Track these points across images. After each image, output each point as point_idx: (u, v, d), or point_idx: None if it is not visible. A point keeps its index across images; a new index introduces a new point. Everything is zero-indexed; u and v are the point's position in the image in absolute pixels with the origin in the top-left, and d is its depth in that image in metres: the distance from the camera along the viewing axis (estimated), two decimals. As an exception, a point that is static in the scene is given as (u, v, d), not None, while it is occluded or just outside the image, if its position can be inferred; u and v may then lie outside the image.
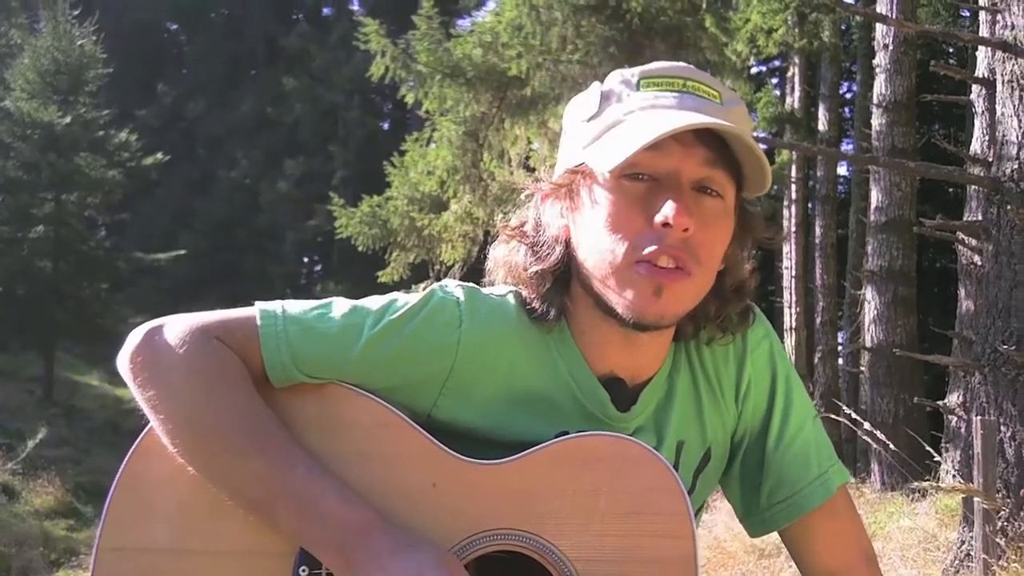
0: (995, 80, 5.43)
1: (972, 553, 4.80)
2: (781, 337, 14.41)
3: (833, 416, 6.05)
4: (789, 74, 17.30)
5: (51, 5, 23.29)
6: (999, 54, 5.27)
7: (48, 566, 10.39)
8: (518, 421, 1.31)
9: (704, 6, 10.61)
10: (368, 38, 11.02)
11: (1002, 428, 4.82)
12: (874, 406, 10.36)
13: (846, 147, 19.27)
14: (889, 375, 10.39)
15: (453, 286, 1.34)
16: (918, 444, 6.29)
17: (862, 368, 11.50)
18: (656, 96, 1.26)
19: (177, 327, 1.25)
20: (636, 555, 1.24)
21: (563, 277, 1.33)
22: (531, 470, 1.25)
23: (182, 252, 26.37)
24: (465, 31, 11.66)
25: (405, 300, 1.31)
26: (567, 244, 1.32)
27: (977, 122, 8.27)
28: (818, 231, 15.66)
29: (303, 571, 1.21)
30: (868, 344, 10.78)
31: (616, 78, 1.31)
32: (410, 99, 11.21)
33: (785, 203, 16.05)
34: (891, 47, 10.85)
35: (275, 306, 1.30)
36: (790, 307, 15.22)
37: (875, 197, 10.98)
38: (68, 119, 22.22)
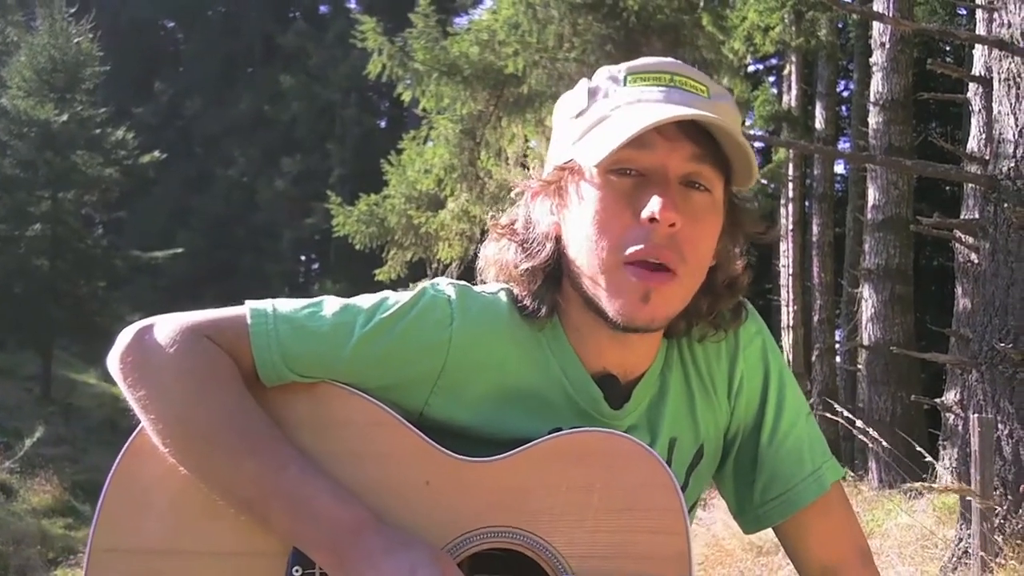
0: (992, 78, 5.44)
1: (970, 551, 4.81)
2: (778, 335, 14.49)
3: (829, 415, 6.05)
4: (786, 72, 17.29)
5: (48, 3, 23.24)
6: (996, 52, 5.27)
7: (46, 564, 10.37)
8: (511, 419, 1.31)
9: (701, 4, 10.62)
10: (365, 36, 11.00)
11: (999, 426, 4.83)
12: (871, 404, 10.37)
13: (843, 145, 19.27)
14: (886, 373, 10.40)
15: (444, 284, 1.33)
16: (915, 442, 6.30)
17: (859, 366, 11.51)
18: (643, 91, 1.26)
19: (167, 327, 1.25)
20: (630, 551, 1.23)
21: (554, 274, 1.32)
22: (524, 467, 1.25)
23: (179, 250, 26.30)
24: (462, 29, 11.65)
25: (396, 298, 1.31)
26: (557, 241, 1.32)
27: (974, 120, 8.28)
28: (815, 229, 15.67)
29: (296, 571, 1.21)
30: (865, 342, 10.79)
31: (603, 74, 1.31)
32: (407, 97, 11.20)
33: (782, 201, 16.05)
34: (888, 45, 10.86)
35: (266, 305, 1.29)
36: (787, 305, 15.22)
37: (872, 195, 10.99)
38: (65, 117, 22.18)
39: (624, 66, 1.30)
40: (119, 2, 35.93)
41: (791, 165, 15.33)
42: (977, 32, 7.68)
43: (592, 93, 1.30)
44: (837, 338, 15.38)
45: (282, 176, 34.79)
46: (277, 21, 38.17)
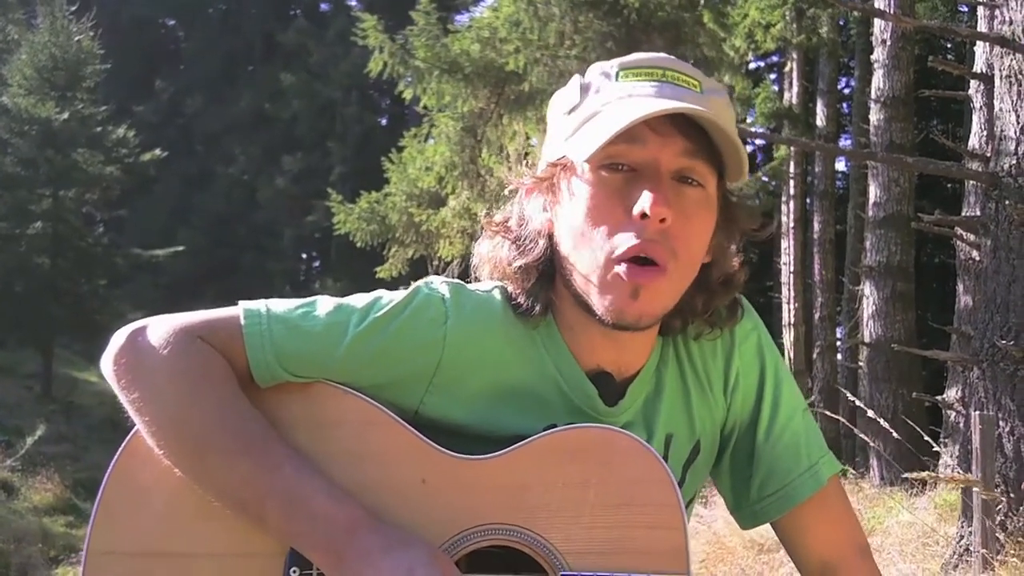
0: (993, 75, 5.43)
1: (971, 548, 4.80)
2: (779, 333, 14.49)
3: (829, 413, 6.05)
4: (787, 69, 17.30)
5: (48, 1, 23.24)
6: (997, 49, 5.26)
7: (47, 562, 10.37)
8: (506, 416, 1.31)
9: (702, 1, 10.60)
10: (366, 34, 11.00)
11: (1000, 423, 4.82)
12: (873, 401, 10.35)
13: (844, 143, 19.28)
14: (888, 370, 10.39)
15: (438, 283, 1.33)
16: (917, 439, 6.29)
17: (861, 364, 11.50)
18: (634, 86, 1.25)
19: (160, 328, 1.25)
20: (627, 546, 1.23)
21: (548, 272, 1.32)
22: (520, 464, 1.25)
23: (180, 248, 26.29)
24: (463, 26, 11.67)
25: (390, 297, 1.30)
26: (550, 238, 1.32)
27: (975, 117, 8.26)
28: (816, 227, 15.66)
29: (294, 572, 1.21)
30: (867, 340, 10.79)
31: (596, 70, 1.31)
32: (408, 95, 11.20)
33: (783, 199, 16.05)
34: (889, 42, 10.85)
35: (259, 305, 1.29)
36: (788, 303, 15.22)
37: (873, 193, 10.98)
38: (66, 115, 22.19)
39: (616, 62, 1.29)
40: (119, 0, 35.92)
41: (792, 162, 15.33)
42: (978, 29, 7.67)
43: (584, 89, 1.30)
44: (838, 335, 15.38)
45: (283, 174, 34.79)
46: (278, 19, 38.16)
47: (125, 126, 25.13)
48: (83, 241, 23.48)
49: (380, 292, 1.33)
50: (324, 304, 1.30)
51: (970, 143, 8.10)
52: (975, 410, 4.95)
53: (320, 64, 35.28)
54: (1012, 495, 4.69)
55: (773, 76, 21.15)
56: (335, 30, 34.11)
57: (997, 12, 5.37)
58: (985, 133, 7.78)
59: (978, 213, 7.00)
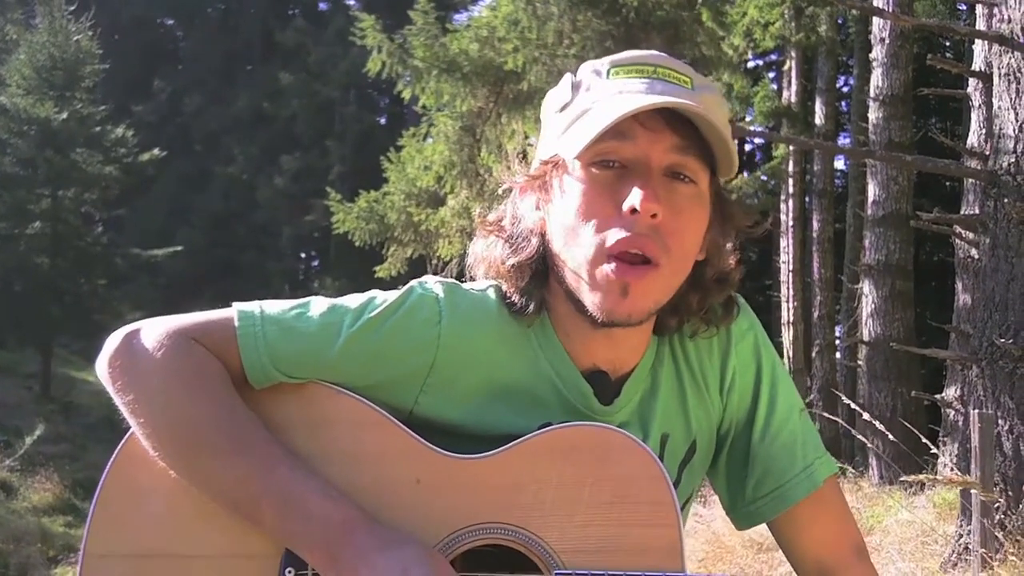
0: (992, 74, 5.43)
1: (970, 546, 4.80)
2: (778, 331, 14.50)
3: (828, 414, 6.05)
4: (786, 68, 17.31)
5: (47, 1, 23.22)
6: (996, 47, 5.26)
7: (46, 562, 10.38)
8: (500, 416, 1.31)
9: (700, 0, 10.60)
10: (364, 34, 11.00)
11: (999, 421, 4.82)
12: (871, 400, 10.36)
13: (843, 141, 19.29)
14: (887, 369, 10.40)
15: (432, 282, 1.33)
16: (916, 438, 6.29)
17: (859, 362, 11.51)
18: (624, 83, 1.25)
19: (155, 330, 1.25)
20: (622, 544, 1.23)
21: (542, 271, 1.32)
22: (514, 463, 1.25)
23: (179, 248, 26.28)
24: (461, 26, 11.66)
25: (384, 297, 1.30)
26: (543, 236, 1.32)
27: (974, 116, 8.26)
28: (815, 225, 15.67)
29: (289, 572, 1.21)
30: (866, 338, 10.79)
31: (587, 68, 1.31)
32: (407, 94, 11.20)
33: (782, 197, 16.05)
34: (888, 41, 10.86)
35: (253, 306, 1.29)
36: (787, 301, 15.23)
37: (872, 191, 10.99)
38: (64, 115, 22.18)
39: (608, 59, 1.30)
40: (118, 0, 35.90)
41: (791, 161, 15.34)
42: (977, 27, 7.67)
43: (575, 87, 1.30)
44: (837, 334, 15.38)
45: (282, 173, 34.75)
46: (276, 18, 38.15)
47: (124, 126, 25.12)
48: (82, 241, 23.47)
49: (374, 292, 1.33)
50: (318, 305, 1.30)
51: (969, 141, 8.09)
52: (974, 408, 4.95)
53: (319, 63, 35.25)
54: (1011, 494, 4.68)
55: (772, 74, 21.17)
56: (334, 29, 34.08)
57: (996, 10, 5.37)
58: (984, 131, 7.78)
59: (977, 211, 7.01)
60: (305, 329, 1.27)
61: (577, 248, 1.24)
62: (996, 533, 4.52)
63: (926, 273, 18.14)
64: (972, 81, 8.24)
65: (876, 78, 11.14)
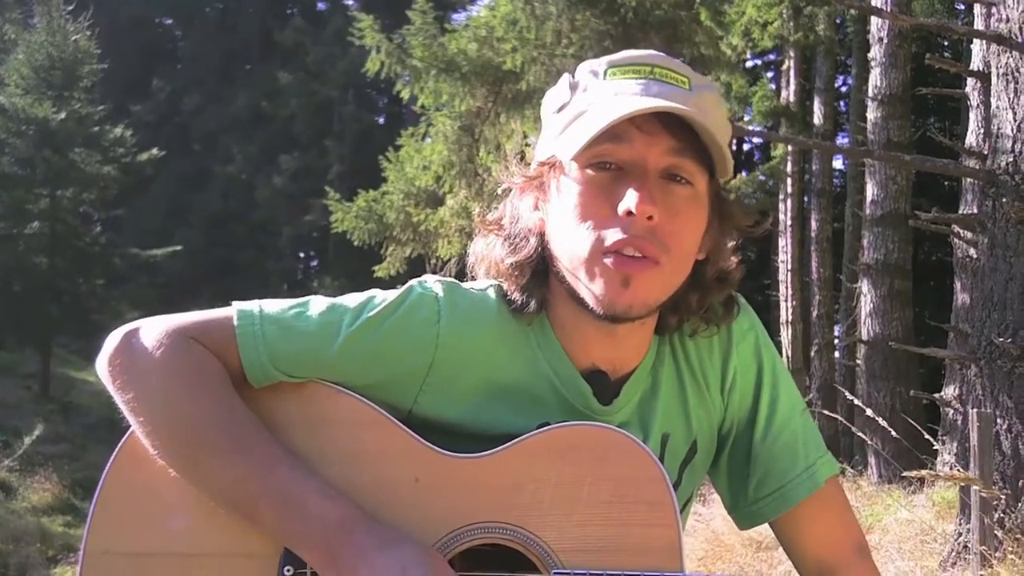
0: (990, 73, 5.43)
1: (969, 545, 4.80)
2: (777, 331, 14.50)
3: (827, 413, 6.05)
4: (784, 67, 17.30)
5: (45, 1, 23.21)
6: (994, 47, 5.26)
7: (45, 562, 10.37)
8: (499, 415, 1.31)
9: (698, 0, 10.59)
10: (363, 33, 10.99)
11: (998, 420, 4.82)
12: (870, 399, 10.36)
13: (841, 141, 19.29)
14: (885, 368, 10.40)
15: (432, 281, 1.33)
16: (914, 437, 6.29)
17: (858, 361, 11.51)
18: (621, 84, 1.26)
19: (154, 329, 1.25)
20: (620, 544, 1.23)
21: (541, 270, 1.32)
22: (513, 462, 1.25)
23: (178, 248, 26.29)
24: (460, 25, 11.64)
25: (383, 297, 1.31)
26: (541, 236, 1.32)
27: (972, 115, 8.27)
28: (814, 225, 15.68)
29: (288, 571, 1.21)
30: (864, 337, 10.80)
31: (585, 68, 1.31)
32: (405, 94, 11.18)
33: (781, 197, 16.05)
34: (886, 40, 10.87)
35: (252, 306, 1.29)
36: (786, 300, 15.23)
37: (871, 190, 10.99)
38: (63, 115, 22.17)
39: (605, 59, 1.29)
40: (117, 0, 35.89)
41: (789, 160, 15.34)
42: (975, 27, 7.67)
43: (573, 87, 1.30)
44: (836, 333, 15.39)
45: (280, 173, 34.73)
46: (275, 18, 38.14)
47: (122, 125, 25.12)
48: (81, 241, 23.48)
49: (373, 291, 1.33)
50: (317, 304, 1.30)
51: (967, 141, 8.10)
52: (973, 408, 4.95)
53: (317, 63, 35.24)
54: (1010, 492, 4.69)
55: (770, 74, 21.21)
56: (332, 29, 34.05)
57: (994, 10, 5.37)
58: (982, 131, 7.78)
59: (975, 211, 7.01)
60: (304, 328, 1.27)
61: (575, 247, 1.24)
62: (995, 531, 4.52)
63: (925, 272, 18.17)
64: (970, 80, 8.25)
65: (874, 78, 11.15)
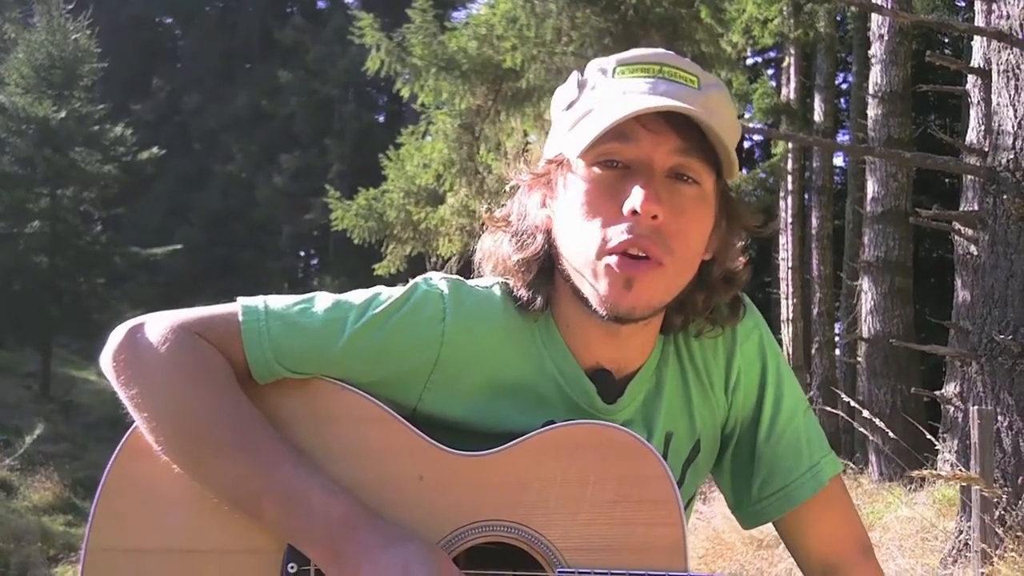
0: (991, 70, 5.42)
1: (970, 542, 4.81)
2: (777, 328, 14.49)
3: (830, 409, 6.05)
4: (785, 64, 17.28)
5: (45, 0, 23.21)
6: (995, 43, 5.25)
7: (47, 562, 10.36)
8: (504, 413, 1.31)
9: (699, -4, 10.58)
10: (363, 32, 10.98)
11: (999, 418, 4.82)
12: (871, 396, 10.37)
13: (842, 138, 19.28)
14: (886, 365, 10.40)
15: (437, 279, 1.33)
16: (915, 434, 6.29)
17: (859, 359, 11.52)
18: (629, 82, 1.25)
19: (159, 325, 1.25)
20: (625, 543, 1.23)
21: (547, 267, 1.32)
22: (518, 460, 1.25)
23: (178, 247, 26.31)
24: (460, 24, 11.64)
25: (389, 294, 1.30)
26: (548, 233, 1.32)
27: (973, 112, 8.26)
28: (814, 222, 15.67)
29: (291, 568, 1.21)
30: (865, 335, 10.80)
31: (594, 66, 1.31)
32: (405, 92, 11.17)
33: (781, 194, 16.03)
34: (887, 37, 10.86)
35: (257, 302, 1.29)
36: (787, 298, 15.22)
37: (871, 188, 10.99)
38: (63, 114, 22.18)
39: (615, 58, 1.29)
40: (117, -2, 35.90)
41: (790, 158, 15.33)
42: (976, 24, 7.66)
43: (581, 86, 1.30)
44: (837, 331, 15.39)
45: (281, 172, 34.73)
46: (275, 16, 38.14)
47: (122, 124, 25.12)
48: (81, 240, 23.48)
49: (379, 288, 1.33)
50: (322, 300, 1.30)
51: (968, 138, 8.10)
52: (973, 405, 4.95)
53: (317, 62, 35.23)
54: (1011, 490, 4.69)
55: (771, 71, 21.16)
56: (332, 27, 34.06)
57: (994, 7, 5.36)
58: (983, 128, 7.78)
59: (976, 208, 7.01)
60: (309, 325, 1.27)
61: (580, 246, 1.24)
62: (996, 529, 4.52)
63: (925, 270, 18.15)
64: (971, 77, 8.24)
65: (875, 75, 11.14)
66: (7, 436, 14.68)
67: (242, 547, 1.23)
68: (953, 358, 8.12)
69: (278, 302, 1.29)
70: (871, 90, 11.24)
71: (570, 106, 1.30)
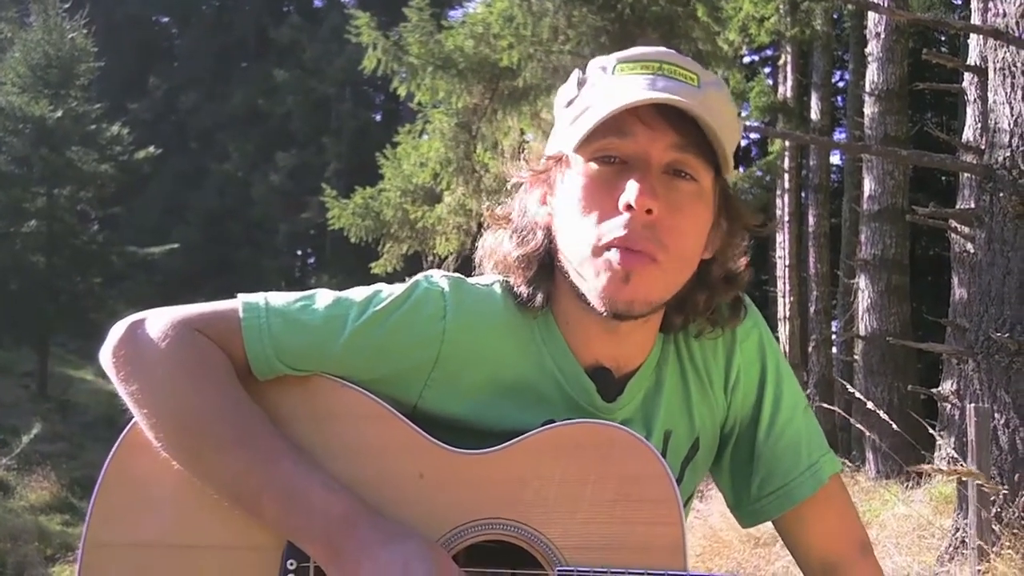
0: (987, 68, 5.43)
1: (967, 540, 4.81)
2: (774, 326, 14.50)
3: (826, 406, 6.06)
4: (781, 63, 17.30)
5: (42, -1, 23.19)
6: (991, 42, 5.26)
7: (44, 561, 10.36)
8: (504, 411, 1.31)
9: (695, -5, 10.58)
10: (359, 31, 10.98)
11: (996, 415, 4.82)
12: (868, 394, 10.35)
13: (839, 136, 19.26)
14: (883, 363, 10.42)
15: (438, 276, 1.33)
16: (912, 432, 6.30)
17: (856, 357, 11.52)
18: (628, 79, 1.25)
19: (159, 321, 1.25)
20: (624, 542, 1.23)
21: (547, 264, 1.32)
22: (518, 459, 1.25)
23: (175, 246, 26.28)
24: (456, 22, 11.64)
25: (389, 291, 1.31)
26: (548, 230, 1.32)
27: (969, 110, 8.27)
28: (811, 220, 15.68)
29: (291, 564, 1.21)
30: (862, 333, 10.81)
31: (595, 64, 1.31)
32: (402, 91, 11.16)
33: (778, 192, 16.05)
34: (883, 35, 10.87)
35: (258, 298, 1.29)
36: (783, 296, 15.23)
37: (868, 186, 11.00)
38: (60, 113, 22.16)
39: (615, 56, 1.29)
40: (113, -3, 35.84)
41: (787, 156, 15.34)
42: (972, 21, 7.68)
43: (581, 83, 1.30)
44: (833, 329, 15.40)
45: (277, 170, 34.66)
46: (271, 15, 38.08)
47: (119, 124, 25.09)
48: (78, 239, 23.45)
49: (380, 285, 1.33)
50: (323, 297, 1.30)
51: (964, 136, 8.10)
52: (970, 402, 4.96)
53: (314, 60, 35.17)
54: (1007, 487, 4.69)
55: (767, 70, 21.22)
56: (329, 26, 34.03)
57: (991, 4, 5.37)
58: (979, 125, 7.78)
59: (972, 205, 7.00)
60: (310, 322, 1.27)
61: (577, 241, 1.24)
62: (993, 526, 4.53)
63: (922, 268, 18.17)
64: (967, 75, 8.25)
65: (872, 73, 11.15)
66: (4, 435, 14.68)
67: (242, 543, 1.23)
68: (950, 356, 8.12)
69: (279, 299, 1.29)
70: (868, 88, 11.25)
71: (570, 103, 1.30)
